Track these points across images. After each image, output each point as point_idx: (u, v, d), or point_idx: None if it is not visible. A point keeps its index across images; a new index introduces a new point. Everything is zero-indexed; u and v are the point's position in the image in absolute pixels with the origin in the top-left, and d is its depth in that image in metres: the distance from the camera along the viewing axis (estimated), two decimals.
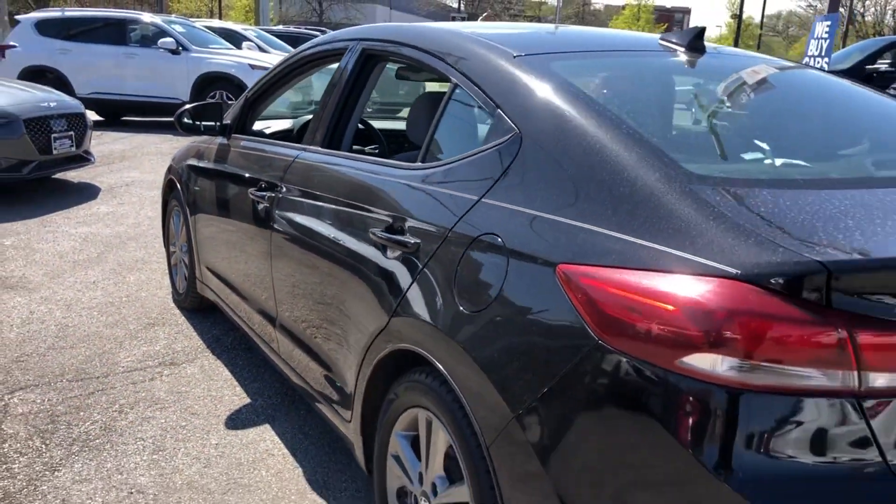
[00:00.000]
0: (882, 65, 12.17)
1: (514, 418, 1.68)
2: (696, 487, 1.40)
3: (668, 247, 1.52)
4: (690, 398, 1.41)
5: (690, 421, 1.41)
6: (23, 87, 7.82)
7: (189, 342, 4.00)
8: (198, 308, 4.38)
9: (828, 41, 7.96)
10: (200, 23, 15.81)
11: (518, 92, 2.06)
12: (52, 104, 7.35)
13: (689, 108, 2.42)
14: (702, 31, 2.44)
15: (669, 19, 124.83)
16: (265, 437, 3.08)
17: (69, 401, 3.29)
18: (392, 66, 3.05)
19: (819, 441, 1.38)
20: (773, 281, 1.38)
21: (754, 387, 1.38)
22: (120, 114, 13.63)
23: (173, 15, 18.85)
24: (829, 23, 8.01)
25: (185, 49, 12.75)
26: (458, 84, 2.28)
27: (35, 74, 12.81)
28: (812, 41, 8.34)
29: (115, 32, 13.10)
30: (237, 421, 3.20)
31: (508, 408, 1.69)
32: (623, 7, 59.00)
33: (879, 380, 1.37)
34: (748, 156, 2.01)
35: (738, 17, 44.93)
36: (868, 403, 1.38)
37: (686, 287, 1.44)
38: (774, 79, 2.59)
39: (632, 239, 1.58)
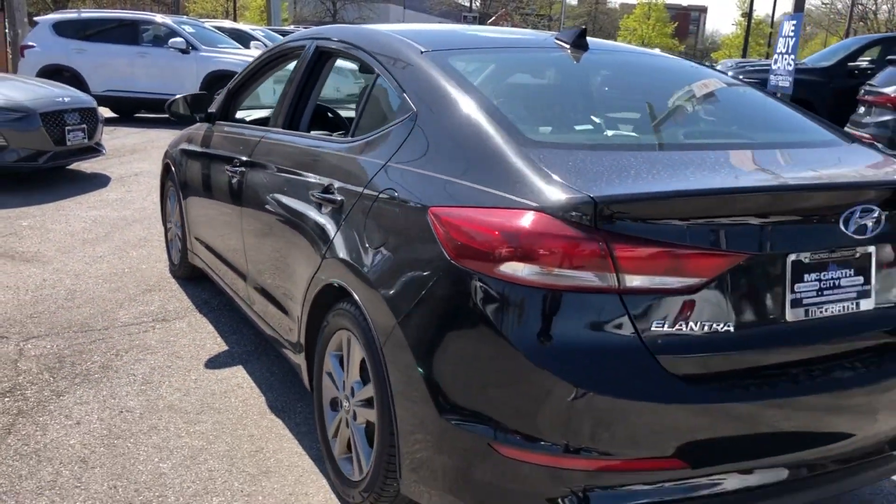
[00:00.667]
0: (862, 62, 12.61)
1: (397, 323, 2.23)
2: (510, 360, 1.94)
3: (499, 191, 2.07)
4: (505, 295, 1.95)
5: (506, 310, 1.95)
6: (40, 84, 8.45)
7: (180, 303, 4.58)
8: (190, 277, 4.96)
9: (794, 39, 8.46)
10: (210, 23, 16.45)
11: (418, 80, 2.61)
12: (66, 99, 7.97)
13: (557, 91, 2.96)
14: (583, 31, 2.99)
15: (685, 17, 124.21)
16: (237, 375, 3.64)
17: (74, 346, 3.87)
18: (342, 61, 3.61)
19: (594, 324, 1.92)
20: (559, 211, 1.92)
21: (549, 286, 1.92)
22: (133, 110, 14.27)
23: (186, 16, 19.49)
24: (794, 22, 8.51)
25: (195, 48, 13.38)
26: (379, 74, 2.83)
27: (52, 73, 13.46)
28: (780, 39, 8.84)
29: (128, 33, 13.75)
30: (215, 363, 3.77)
31: (394, 317, 2.24)
32: (635, 6, 59.50)
33: (634, 281, 1.92)
34: (581, 127, 2.57)
35: (748, 15, 45.14)
36: (629, 298, 1.92)
37: (504, 218, 1.99)
38: (633, 68, 3.15)
39: (478, 186, 2.13)
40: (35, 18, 14.77)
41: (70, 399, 3.32)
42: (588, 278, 1.91)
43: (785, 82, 8.58)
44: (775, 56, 8.97)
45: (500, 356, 1.96)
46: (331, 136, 3.04)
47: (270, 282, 3.32)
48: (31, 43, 13.99)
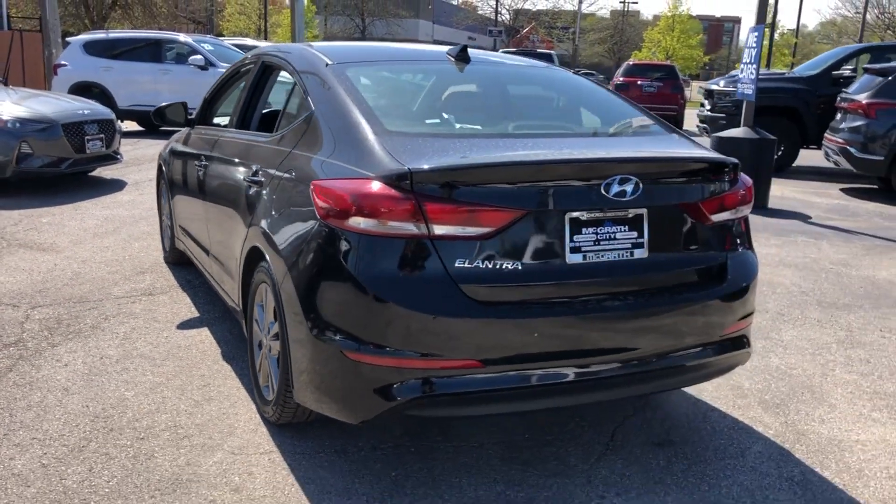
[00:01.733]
0: (846, 70, 13.12)
1: (287, 270, 2.95)
2: (354, 288, 2.65)
3: (354, 167, 2.79)
4: (351, 242, 2.66)
5: (351, 252, 2.66)
6: (63, 99, 9.37)
7: (166, 282, 5.36)
8: (178, 262, 5.74)
9: (756, 49, 9.06)
10: (231, 41, 17.43)
11: (319, 86, 3.35)
12: (86, 112, 8.88)
13: (427, 93, 3.67)
14: (465, 47, 3.72)
15: (719, 29, 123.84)
16: (201, 334, 4.40)
17: (71, 312, 4.66)
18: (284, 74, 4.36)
19: (413, 261, 2.62)
20: (386, 179, 2.63)
21: (380, 234, 2.63)
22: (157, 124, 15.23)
23: (210, 36, 20.48)
24: (756, 34, 9.11)
25: (213, 65, 14.30)
26: (296, 82, 3.58)
27: (82, 89, 14.49)
28: (745, 50, 9.44)
29: (152, 51, 14.76)
30: (185, 325, 4.53)
31: (285, 265, 2.97)
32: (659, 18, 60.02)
33: (440, 230, 2.61)
34: (431, 121, 3.29)
35: (771, 26, 45.35)
36: (437, 242, 2.62)
37: (352, 185, 2.70)
38: (501, 76, 3.87)
39: (342, 164, 2.86)
40: (67, 39, 15.83)
41: (62, 349, 4.10)
42: (407, 228, 2.61)
43: (748, 90, 9.15)
44: (741, 66, 9.56)
45: (348, 285, 2.68)
46: (264, 132, 3.79)
47: (220, 251, 4.07)
48: (63, 62, 15.07)
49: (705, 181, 3.06)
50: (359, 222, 2.65)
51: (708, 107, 13.69)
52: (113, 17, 33.95)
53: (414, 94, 3.63)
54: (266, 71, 4.16)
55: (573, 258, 2.78)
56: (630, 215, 2.87)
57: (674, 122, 19.76)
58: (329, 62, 3.51)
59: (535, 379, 2.74)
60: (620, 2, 72.41)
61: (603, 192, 2.78)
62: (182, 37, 15.24)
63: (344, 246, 2.69)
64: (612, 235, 2.84)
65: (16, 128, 8.20)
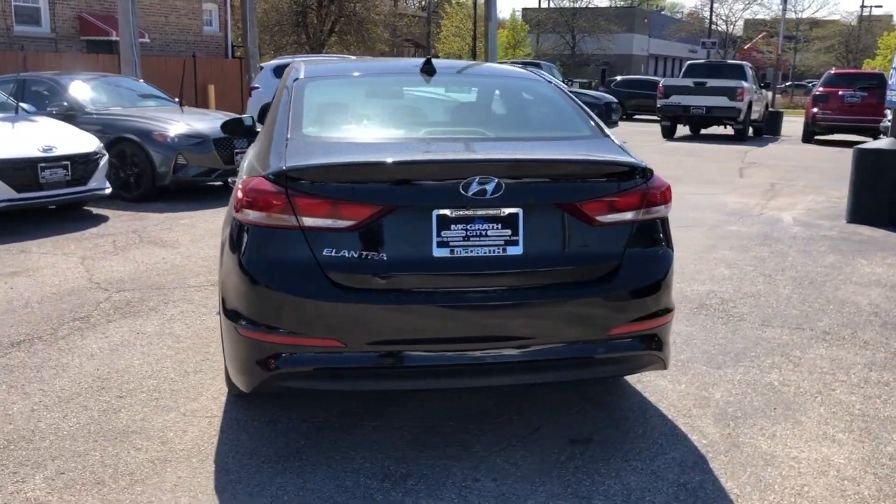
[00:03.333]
0: None
1: (222, 243, 3.39)
2: (242, 272, 3.04)
3: (259, 166, 3.18)
4: (243, 230, 3.06)
5: (243, 240, 3.05)
6: (217, 116, 10.58)
7: None
8: None
9: None
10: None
11: (279, 98, 3.78)
12: None
13: (370, 104, 3.96)
14: (428, 59, 3.99)
15: None
16: None
17: (143, 296, 5.43)
18: None
19: (287, 249, 2.97)
20: (268, 176, 2.99)
21: (262, 224, 3.00)
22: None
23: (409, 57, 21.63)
24: None
25: None
26: (281, 92, 4.04)
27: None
28: (892, 71, 8.74)
29: None
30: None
31: (220, 252, 3.42)
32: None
33: (309, 222, 2.93)
34: (347, 126, 3.60)
35: None
36: (308, 233, 2.94)
37: (248, 182, 3.09)
38: (456, 85, 4.09)
39: (255, 163, 3.26)
40: (260, 65, 17.58)
41: (114, 325, 4.84)
42: (282, 219, 2.96)
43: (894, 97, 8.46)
44: (892, 70, 8.84)
45: (239, 269, 3.07)
46: None
47: None
48: (256, 85, 16.76)
49: (593, 183, 3.13)
50: (248, 214, 3.03)
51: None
52: (329, 42, 36.86)
53: (357, 105, 3.96)
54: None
55: (440, 252, 2.99)
56: (504, 214, 3.02)
57: (874, 136, 18.15)
58: (300, 77, 3.94)
59: (397, 361, 2.97)
60: (862, 7, 66.90)
61: (462, 190, 2.96)
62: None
63: (239, 235, 3.09)
64: (483, 232, 3.01)
65: (174, 142, 9.43)
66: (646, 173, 3.21)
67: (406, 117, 3.87)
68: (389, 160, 3.03)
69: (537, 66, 23.47)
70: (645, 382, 3.99)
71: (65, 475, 3.06)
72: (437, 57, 38.38)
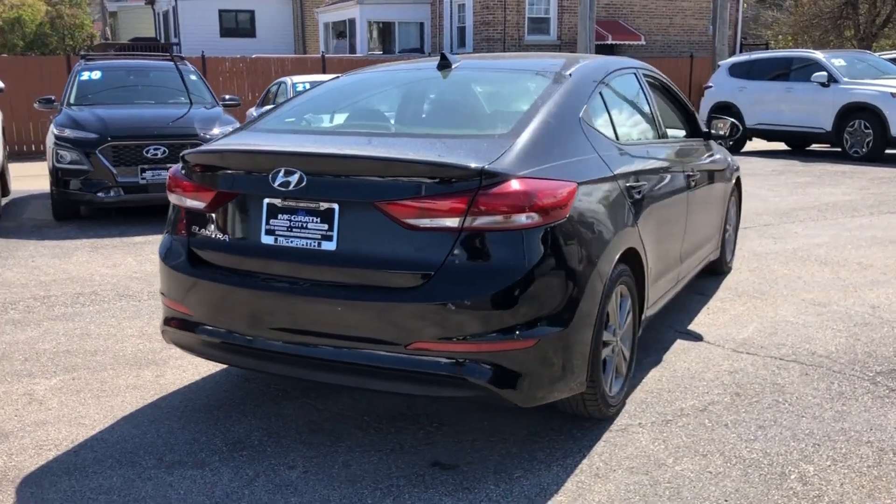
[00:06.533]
0: None
1: None
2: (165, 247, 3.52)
3: None
4: (170, 211, 3.52)
5: (169, 220, 3.51)
6: None
7: None
8: None
9: None
10: (888, 55, 15.74)
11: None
12: None
13: (340, 99, 3.88)
14: (442, 55, 3.82)
15: None
16: None
17: None
18: None
19: (174, 227, 3.35)
20: (181, 163, 3.39)
21: (175, 205, 3.43)
22: (777, 142, 15.11)
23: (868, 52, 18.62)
24: None
25: (835, 81, 13.49)
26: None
27: (721, 109, 15.46)
28: None
29: (782, 69, 14.69)
30: None
31: None
32: None
33: (187, 203, 3.26)
34: (290, 119, 3.62)
35: None
36: (187, 212, 3.28)
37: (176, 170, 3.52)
38: (449, 83, 3.79)
39: None
40: (718, 63, 16.84)
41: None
42: (177, 200, 3.34)
43: None
44: None
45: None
46: None
47: None
48: (710, 84, 16.22)
49: (413, 184, 2.78)
50: (171, 196, 3.45)
51: None
52: (880, 36, 32.77)
53: (335, 100, 3.95)
54: None
55: (266, 239, 3.03)
56: (322, 208, 2.91)
57: None
58: (339, 75, 4.19)
59: (223, 337, 3.12)
60: None
61: (270, 181, 2.95)
62: (819, 54, 14.63)
63: (170, 215, 3.53)
64: (304, 224, 2.95)
65: None
66: (489, 177, 2.74)
67: (352, 113, 3.83)
68: (227, 149, 3.18)
69: None
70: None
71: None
72: None
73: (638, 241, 3.49)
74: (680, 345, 4.37)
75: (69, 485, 2.93)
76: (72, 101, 8.66)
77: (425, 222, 2.77)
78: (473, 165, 2.76)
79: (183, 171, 3.29)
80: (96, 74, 9.02)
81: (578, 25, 16.36)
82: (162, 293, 3.38)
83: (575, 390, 3.10)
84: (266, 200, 3.03)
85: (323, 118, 3.76)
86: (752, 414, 3.50)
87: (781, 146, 15.82)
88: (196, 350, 3.30)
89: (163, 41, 31.41)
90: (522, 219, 2.78)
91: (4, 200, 9.45)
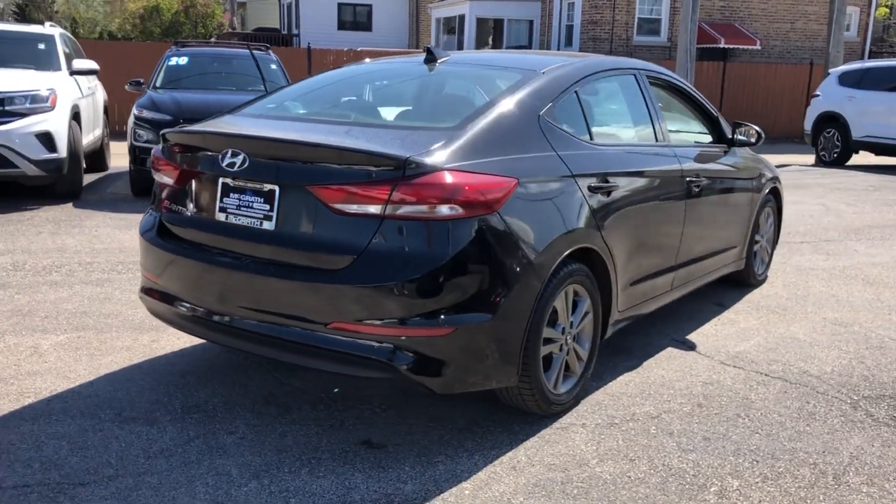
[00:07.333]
0: None
1: None
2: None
3: None
4: (161, 189, 3.76)
5: (160, 194, 3.77)
6: None
7: None
8: None
9: None
10: None
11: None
12: None
13: (322, 88, 3.98)
14: (427, 49, 3.90)
15: None
16: None
17: None
18: None
19: (155, 202, 3.60)
20: (163, 141, 3.62)
21: (159, 183, 3.68)
22: (887, 156, 14.27)
23: None
24: None
25: None
26: None
27: (827, 120, 14.77)
28: None
29: (891, 79, 13.85)
30: None
31: None
32: None
33: (163, 179, 3.50)
34: (272, 105, 3.77)
35: None
36: (161, 189, 3.52)
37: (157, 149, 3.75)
38: (411, 72, 3.83)
39: None
40: (829, 71, 15.99)
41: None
42: (158, 177, 3.58)
43: None
44: None
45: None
46: None
47: None
48: (818, 92, 15.47)
49: (341, 170, 2.89)
50: (154, 173, 3.69)
51: None
52: None
53: (318, 89, 4.05)
54: None
55: (220, 216, 3.21)
56: (265, 189, 3.07)
57: None
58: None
59: (178, 306, 3.33)
60: None
61: (219, 160, 3.12)
62: None
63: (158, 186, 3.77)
64: (251, 204, 3.11)
65: None
66: (412, 168, 2.82)
67: (326, 102, 3.94)
68: (191, 130, 3.37)
69: None
70: None
71: None
72: None
73: (600, 242, 3.48)
74: (668, 352, 4.30)
75: (30, 429, 3.21)
76: (157, 84, 9.22)
77: (352, 208, 2.88)
78: (397, 155, 2.85)
79: (162, 150, 3.52)
80: (183, 60, 9.57)
81: (679, 27, 15.89)
82: (140, 264, 3.64)
83: (503, 383, 3.13)
84: (221, 179, 3.21)
85: (300, 106, 3.92)
86: (705, 425, 3.43)
87: (891, 160, 14.94)
88: (164, 318, 3.52)
89: (284, 32, 32.64)
90: (445, 210, 2.84)
91: (99, 176, 10.17)
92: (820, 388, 3.86)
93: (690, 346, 4.40)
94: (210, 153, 3.24)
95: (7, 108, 7.50)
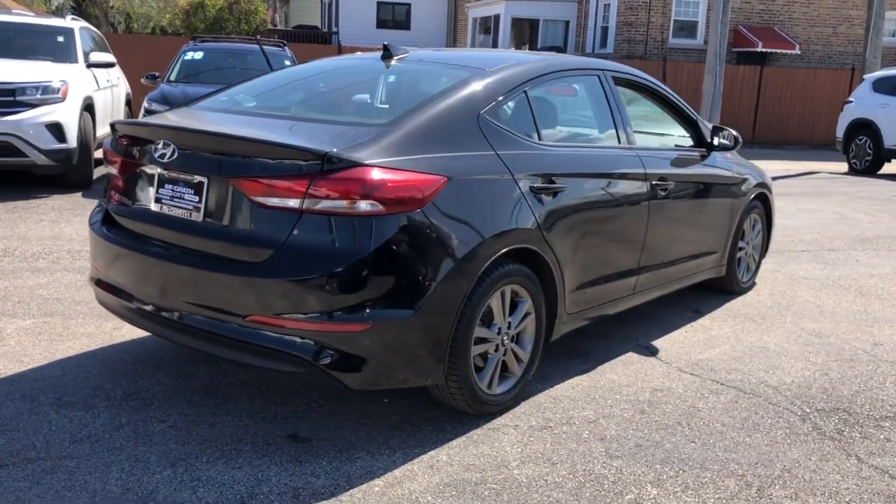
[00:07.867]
0: None
1: None
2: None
3: None
4: (109, 180, 3.83)
5: (109, 185, 3.83)
6: None
7: None
8: None
9: None
10: None
11: None
12: None
13: (282, 83, 3.99)
14: (385, 46, 3.91)
15: None
16: None
17: None
18: None
19: (106, 194, 3.66)
20: (116, 132, 3.68)
21: (114, 176, 3.74)
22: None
23: None
24: None
25: None
26: None
27: (859, 127, 14.42)
28: None
29: None
30: None
31: None
32: None
33: (112, 170, 3.56)
34: (224, 98, 3.79)
35: None
36: (111, 181, 3.58)
37: (107, 141, 3.82)
38: (383, 71, 3.88)
39: None
40: (864, 77, 15.59)
41: None
42: (107, 168, 3.65)
43: None
44: None
45: None
46: None
47: None
48: (851, 98, 15.11)
49: (262, 164, 2.91)
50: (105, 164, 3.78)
51: None
52: None
53: (270, 85, 4.07)
54: None
55: (155, 207, 3.25)
56: (195, 180, 3.10)
57: None
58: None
59: (116, 295, 3.38)
60: None
61: (153, 152, 3.16)
62: None
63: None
64: (182, 195, 3.15)
65: None
66: (331, 163, 2.83)
67: (279, 96, 3.94)
68: (131, 122, 3.42)
69: None
70: None
71: None
72: None
73: (541, 243, 3.44)
74: (627, 357, 4.24)
75: None
76: (172, 77, 9.38)
77: (272, 201, 2.90)
78: (317, 149, 2.86)
79: (111, 142, 3.58)
80: (199, 55, 9.72)
81: (710, 31, 15.62)
82: (90, 254, 3.70)
83: (426, 381, 3.13)
84: (157, 171, 3.26)
85: (251, 100, 3.95)
86: (641, 432, 3.38)
87: None
88: (109, 308, 3.58)
89: (325, 30, 32.91)
90: (365, 206, 2.85)
91: None
92: (773, 399, 3.77)
93: (652, 352, 4.34)
94: (147, 145, 3.28)
95: (18, 98, 7.69)
